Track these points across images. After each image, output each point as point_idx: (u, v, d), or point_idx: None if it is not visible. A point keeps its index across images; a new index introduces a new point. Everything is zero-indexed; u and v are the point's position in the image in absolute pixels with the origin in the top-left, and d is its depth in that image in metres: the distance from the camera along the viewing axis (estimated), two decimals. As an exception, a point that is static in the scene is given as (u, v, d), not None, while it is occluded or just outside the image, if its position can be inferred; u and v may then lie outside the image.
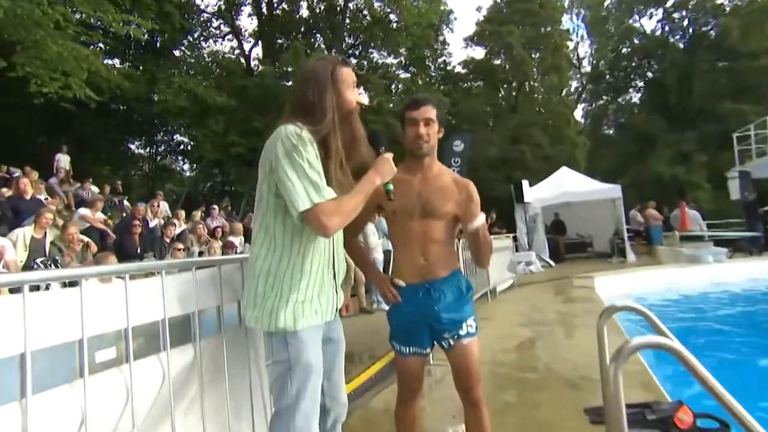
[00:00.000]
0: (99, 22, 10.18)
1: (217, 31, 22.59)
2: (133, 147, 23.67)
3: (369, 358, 4.39)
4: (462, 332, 1.87)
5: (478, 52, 27.57)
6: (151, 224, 8.27)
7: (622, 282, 8.72)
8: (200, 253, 6.33)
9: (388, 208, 1.84)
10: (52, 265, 4.80)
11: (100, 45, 15.78)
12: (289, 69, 18.79)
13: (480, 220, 1.75)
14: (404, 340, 1.92)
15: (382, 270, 7.79)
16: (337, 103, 1.53)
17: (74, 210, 8.21)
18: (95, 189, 10.18)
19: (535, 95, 28.30)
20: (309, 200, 1.40)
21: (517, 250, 12.02)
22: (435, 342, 1.93)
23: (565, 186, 13.32)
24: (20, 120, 14.41)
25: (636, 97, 30.81)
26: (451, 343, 1.88)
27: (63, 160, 10.91)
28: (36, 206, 5.59)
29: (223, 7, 21.40)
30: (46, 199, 7.46)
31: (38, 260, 4.75)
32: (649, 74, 28.59)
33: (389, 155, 1.62)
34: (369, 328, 5.63)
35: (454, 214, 1.88)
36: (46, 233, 5.07)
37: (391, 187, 1.64)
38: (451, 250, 1.94)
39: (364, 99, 1.65)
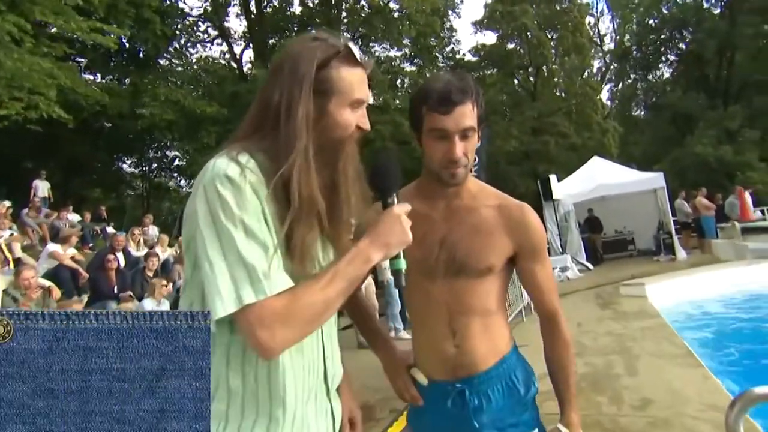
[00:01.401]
0: (71, 34, 9.79)
1: (205, 35, 22.39)
2: (125, 166, 23.64)
3: (389, 411, 3.82)
4: None
5: (490, 37, 27.10)
6: (134, 255, 7.81)
7: (678, 287, 7.95)
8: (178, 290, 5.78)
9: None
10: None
11: (79, 59, 15.62)
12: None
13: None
14: None
15: (397, 297, 6.99)
16: (321, 122, 0.95)
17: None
18: (74, 217, 9.79)
19: (555, 79, 27.59)
20: (235, 299, 0.82)
21: (549, 254, 11.34)
22: None
23: (598, 178, 12.62)
24: (3, 144, 14.17)
25: (668, 73, 29.86)
26: None
27: (41, 188, 10.57)
28: (-13, 248, 5.14)
29: (209, 8, 21.13)
30: (11, 235, 7.04)
31: (-13, 314, 4.26)
32: (682, 46, 27.54)
33: (402, 208, 1.00)
34: (386, 366, 5.02)
35: (502, 266, 1.26)
36: (-4, 281, 4.61)
37: (403, 265, 1.01)
38: (498, 323, 1.29)
39: (367, 123, 1.03)
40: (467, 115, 1.14)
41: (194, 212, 0.87)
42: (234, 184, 0.85)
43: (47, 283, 5.20)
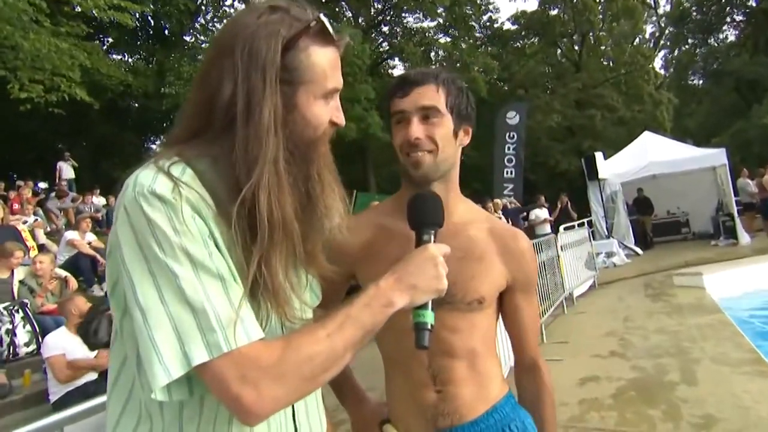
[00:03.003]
0: (89, 12, 9.80)
1: (231, 9, 22.31)
2: (154, 146, 24.30)
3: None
4: None
5: (531, 3, 26.03)
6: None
7: (741, 277, 7.38)
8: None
9: (366, 283, 0.88)
10: (19, 311, 4.32)
11: (104, 39, 15.83)
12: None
13: None
14: None
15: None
16: (288, 120, 0.76)
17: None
18: (100, 201, 9.95)
19: (603, 47, 26.30)
20: (181, 357, 0.65)
21: (593, 238, 10.82)
22: None
23: (649, 155, 11.96)
24: (38, 126, 14.60)
25: (732, 36, 27.86)
26: None
27: (65, 170, 10.76)
28: (4, 236, 5.14)
29: (234, -20, 21.00)
30: (35, 221, 7.14)
31: (1, 306, 4.28)
32: (752, 3, 25.52)
33: (440, 249, 0.87)
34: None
35: (493, 300, 1.12)
36: (13, 272, 4.61)
37: (429, 319, 0.84)
38: (487, 366, 1.13)
39: (342, 117, 0.85)
40: (428, 95, 1.05)
41: (116, 244, 0.69)
42: (166, 202, 0.67)
43: (63, 273, 5.22)
